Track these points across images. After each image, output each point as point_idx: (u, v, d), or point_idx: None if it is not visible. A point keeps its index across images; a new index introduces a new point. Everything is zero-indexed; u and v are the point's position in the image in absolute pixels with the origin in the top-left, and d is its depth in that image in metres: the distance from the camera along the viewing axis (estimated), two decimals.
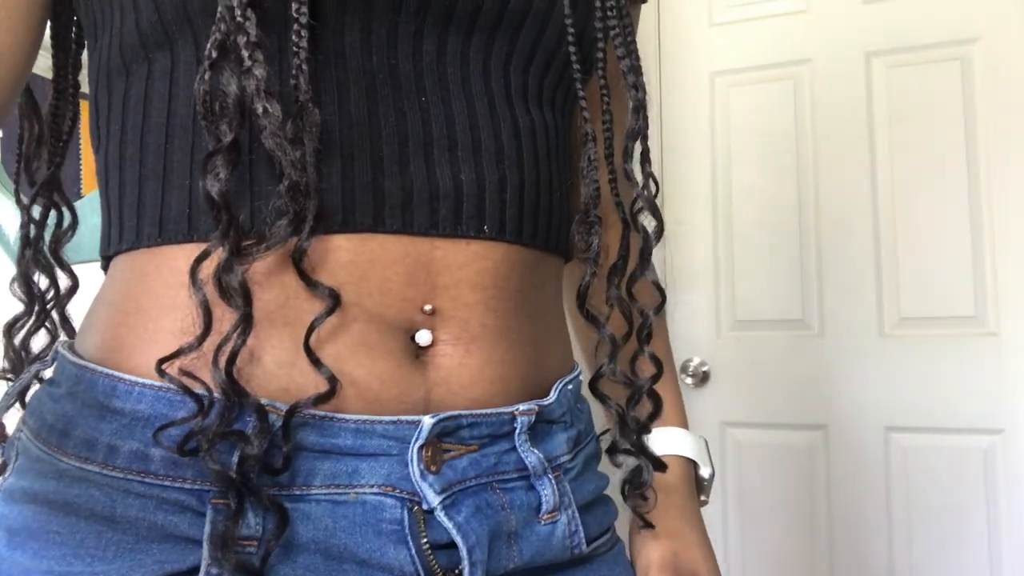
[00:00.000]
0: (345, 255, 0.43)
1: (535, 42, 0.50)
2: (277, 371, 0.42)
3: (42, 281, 0.53)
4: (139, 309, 0.44)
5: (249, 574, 0.39)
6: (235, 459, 0.39)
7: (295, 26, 0.41)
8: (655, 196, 0.55)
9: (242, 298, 0.39)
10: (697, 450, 0.63)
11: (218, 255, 0.39)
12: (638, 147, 0.54)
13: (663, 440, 0.62)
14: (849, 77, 1.63)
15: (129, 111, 0.46)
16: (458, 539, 0.44)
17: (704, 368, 1.64)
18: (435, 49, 0.46)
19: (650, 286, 0.56)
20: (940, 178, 1.57)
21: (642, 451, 0.57)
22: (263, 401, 0.41)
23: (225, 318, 0.40)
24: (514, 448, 0.48)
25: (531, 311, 0.50)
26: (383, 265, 0.44)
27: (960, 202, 1.56)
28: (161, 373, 0.41)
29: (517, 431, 0.48)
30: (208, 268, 0.40)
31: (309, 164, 0.40)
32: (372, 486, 0.43)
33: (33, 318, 0.52)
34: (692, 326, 1.68)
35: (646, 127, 0.53)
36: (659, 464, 0.57)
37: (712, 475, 0.64)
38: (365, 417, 0.43)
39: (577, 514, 0.51)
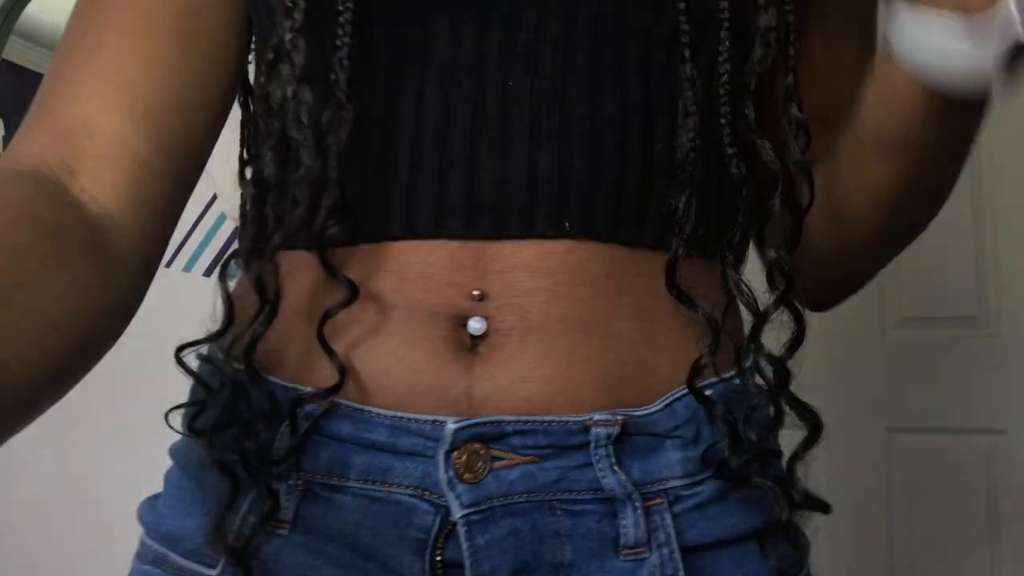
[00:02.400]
0: (394, 250, 0.42)
1: (657, 7, 0.42)
2: (313, 360, 0.41)
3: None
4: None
5: (236, 556, 0.40)
6: (248, 446, 0.40)
7: (340, 19, 0.39)
8: (804, 150, 0.43)
9: (259, 290, 0.40)
10: None
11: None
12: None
13: None
14: None
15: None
16: (467, 563, 0.39)
17: None
18: (533, 28, 0.41)
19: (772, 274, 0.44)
20: None
21: (767, 476, 0.43)
22: (294, 387, 0.42)
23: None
24: (589, 464, 0.41)
25: (630, 303, 0.42)
26: (426, 251, 0.41)
27: (963, 201, 1.56)
28: (178, 360, 0.43)
29: (593, 444, 0.40)
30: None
31: (331, 156, 0.39)
32: (406, 487, 0.40)
33: None
34: None
35: (779, 53, 0.42)
36: (816, 503, 0.44)
37: None
38: (400, 414, 0.40)
39: (678, 555, 0.41)
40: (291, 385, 0.42)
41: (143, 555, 0.45)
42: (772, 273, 0.44)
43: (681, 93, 0.42)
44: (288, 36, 0.39)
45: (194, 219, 1.60)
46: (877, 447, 1.58)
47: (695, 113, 0.42)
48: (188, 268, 1.53)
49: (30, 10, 1.84)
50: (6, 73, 1.84)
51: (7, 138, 1.87)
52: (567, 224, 0.41)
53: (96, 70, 0.41)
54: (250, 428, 0.40)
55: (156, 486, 0.48)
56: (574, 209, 0.41)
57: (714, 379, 0.43)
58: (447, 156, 0.41)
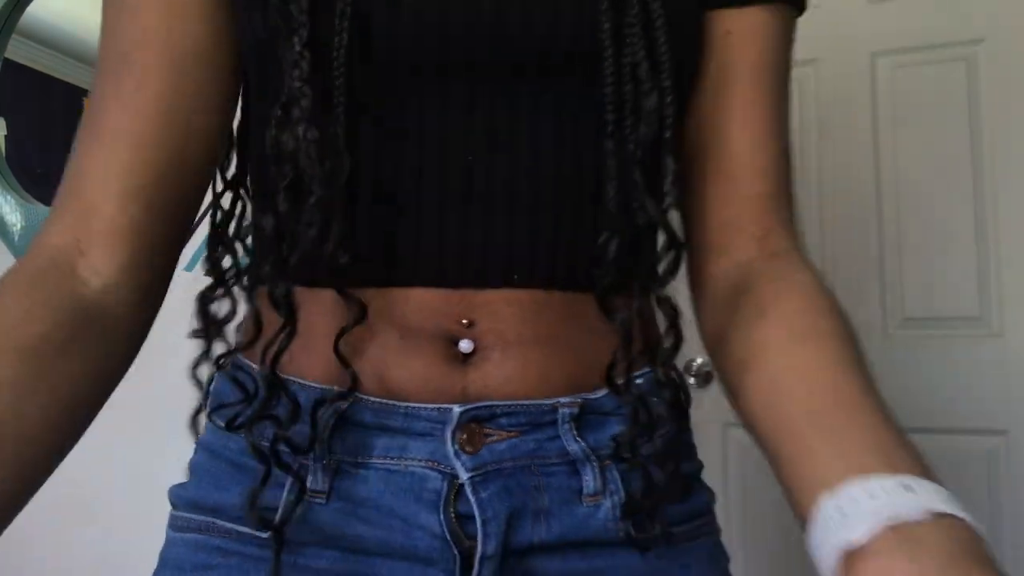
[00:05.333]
0: (383, 292, 0.52)
1: (587, 83, 0.51)
2: (334, 366, 0.51)
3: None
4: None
5: (269, 528, 0.50)
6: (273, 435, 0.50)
7: (336, 83, 0.49)
8: (679, 195, 0.52)
9: (277, 309, 0.49)
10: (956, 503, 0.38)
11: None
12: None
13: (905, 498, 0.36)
14: (854, 77, 1.63)
15: None
16: (476, 511, 0.51)
17: (707, 368, 1.64)
18: (488, 104, 0.52)
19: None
20: (945, 178, 1.57)
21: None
22: (318, 387, 0.52)
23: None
24: (558, 436, 0.53)
25: (581, 322, 0.54)
26: (418, 294, 0.52)
27: (965, 202, 1.56)
28: (219, 366, 0.55)
29: (560, 421, 0.53)
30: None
31: (338, 187, 0.49)
32: (420, 460, 0.52)
33: (221, 291, 0.60)
34: (695, 326, 1.67)
35: (659, 129, 0.50)
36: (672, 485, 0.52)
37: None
38: (413, 404, 0.52)
39: (623, 499, 0.53)
40: (315, 385, 0.52)
41: (182, 527, 0.55)
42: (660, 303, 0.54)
43: (603, 165, 0.51)
44: (297, 84, 0.48)
45: (194, 220, 1.60)
46: None
47: (615, 180, 0.51)
48: (190, 267, 1.54)
49: (31, 10, 1.84)
50: (6, 73, 1.84)
51: (8, 138, 1.86)
52: (515, 276, 0.52)
53: (98, 161, 0.52)
54: (278, 423, 0.50)
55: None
56: (518, 268, 0.52)
57: (635, 374, 0.54)
58: (414, 220, 0.52)
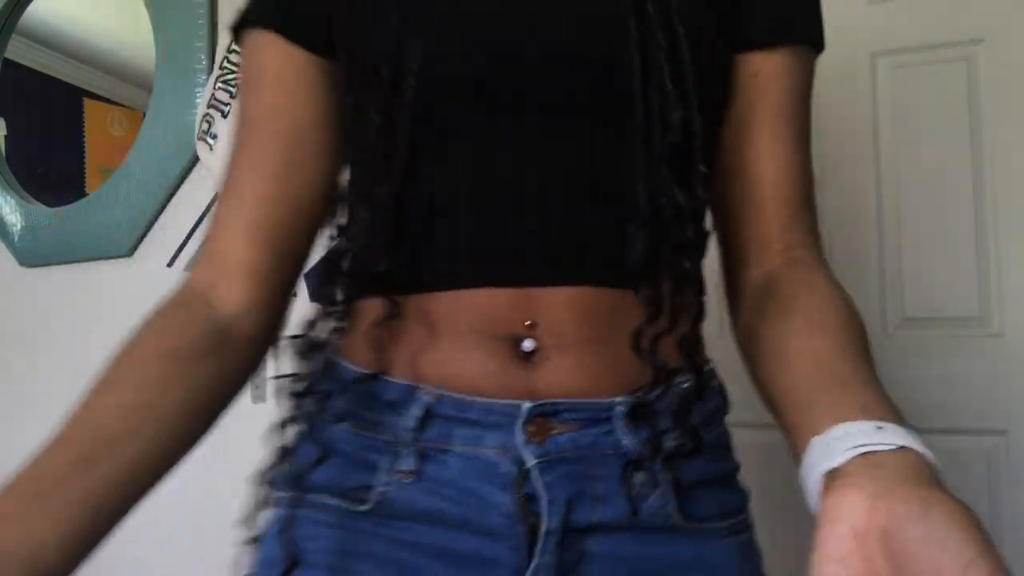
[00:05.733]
0: (455, 295, 0.61)
1: (624, 107, 0.59)
2: (384, 355, 0.62)
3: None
4: None
5: (297, 487, 0.62)
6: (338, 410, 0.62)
7: (400, 132, 0.60)
8: (705, 192, 0.60)
9: (328, 316, 0.63)
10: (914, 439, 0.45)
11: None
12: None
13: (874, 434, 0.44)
14: (854, 77, 1.63)
15: None
16: (541, 492, 0.58)
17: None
18: (537, 132, 0.60)
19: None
20: (944, 179, 1.57)
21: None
22: (360, 371, 0.63)
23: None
24: (613, 431, 0.60)
25: (626, 318, 0.60)
26: (485, 296, 0.60)
27: (964, 202, 1.56)
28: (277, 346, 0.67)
29: (615, 418, 0.60)
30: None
31: (378, 211, 0.60)
32: (494, 448, 0.59)
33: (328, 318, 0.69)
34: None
35: (686, 136, 0.58)
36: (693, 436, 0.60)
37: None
38: (488, 400, 0.59)
39: (671, 490, 0.61)
40: (359, 370, 0.62)
41: (283, 504, 0.64)
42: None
43: (633, 167, 0.59)
44: (351, 124, 0.62)
45: (194, 221, 1.61)
46: None
47: (643, 178, 0.59)
48: (189, 268, 1.54)
49: (31, 10, 1.84)
50: (6, 73, 1.84)
51: (7, 138, 1.87)
52: (570, 275, 0.59)
53: (229, 215, 0.65)
54: (320, 396, 0.62)
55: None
56: (568, 271, 0.60)
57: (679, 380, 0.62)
58: (470, 229, 0.61)
